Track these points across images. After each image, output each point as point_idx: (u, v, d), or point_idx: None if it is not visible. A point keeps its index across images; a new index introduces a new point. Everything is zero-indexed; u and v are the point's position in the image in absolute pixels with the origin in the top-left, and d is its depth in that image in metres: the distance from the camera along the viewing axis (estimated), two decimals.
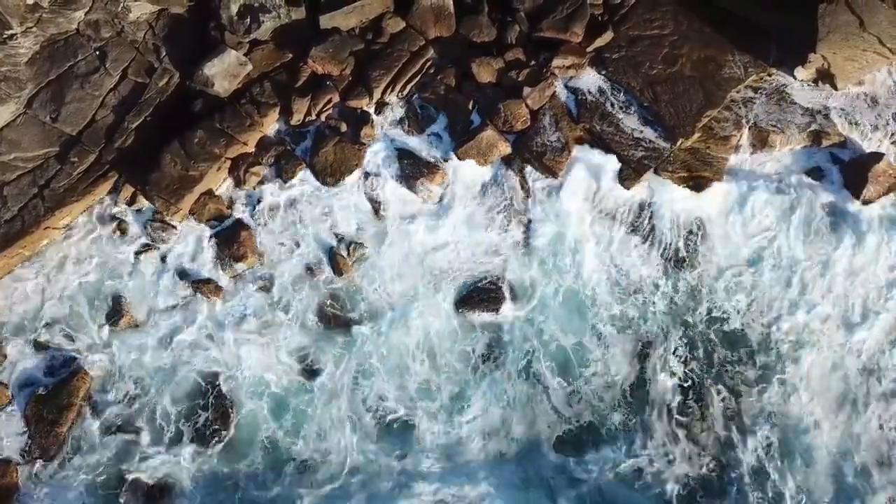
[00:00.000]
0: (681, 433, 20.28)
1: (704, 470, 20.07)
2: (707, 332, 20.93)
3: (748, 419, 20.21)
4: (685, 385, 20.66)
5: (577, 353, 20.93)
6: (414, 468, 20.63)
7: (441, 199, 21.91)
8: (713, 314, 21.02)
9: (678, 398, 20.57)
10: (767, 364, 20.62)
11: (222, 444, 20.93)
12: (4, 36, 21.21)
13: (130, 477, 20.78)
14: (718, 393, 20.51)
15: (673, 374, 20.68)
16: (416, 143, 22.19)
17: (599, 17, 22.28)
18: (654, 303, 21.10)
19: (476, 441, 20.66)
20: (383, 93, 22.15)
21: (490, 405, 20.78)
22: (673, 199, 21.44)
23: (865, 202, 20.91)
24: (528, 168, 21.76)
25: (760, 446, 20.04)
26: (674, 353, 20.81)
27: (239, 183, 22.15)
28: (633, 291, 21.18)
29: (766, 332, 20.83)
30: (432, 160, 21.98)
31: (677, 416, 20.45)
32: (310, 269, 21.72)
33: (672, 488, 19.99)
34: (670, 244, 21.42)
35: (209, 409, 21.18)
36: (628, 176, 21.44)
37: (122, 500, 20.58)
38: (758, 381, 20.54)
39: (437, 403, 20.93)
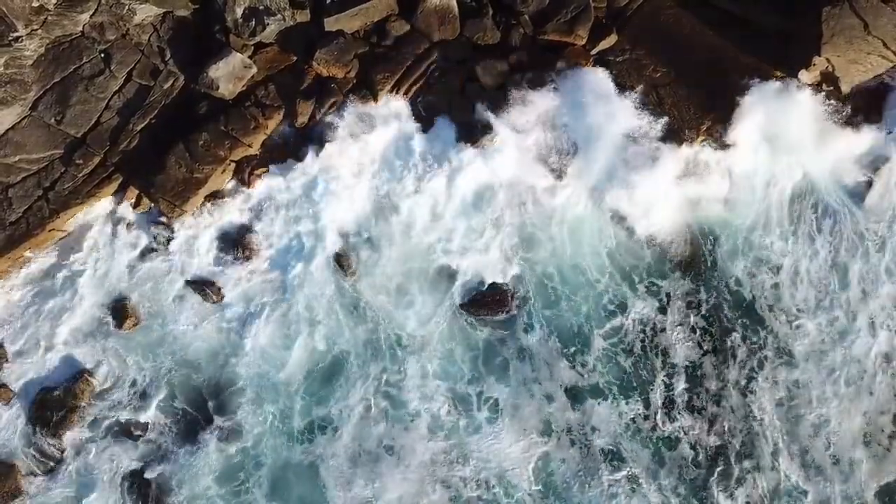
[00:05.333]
0: None
1: None
2: None
3: None
4: None
5: None
6: None
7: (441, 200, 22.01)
8: None
9: None
10: None
11: None
12: (10, 38, 21.18)
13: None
14: None
15: None
16: (419, 145, 22.21)
17: (603, 20, 22.29)
18: None
19: None
20: (388, 95, 22.15)
21: None
22: None
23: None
24: None
25: None
26: None
27: (243, 185, 22.17)
28: None
29: None
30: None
31: None
32: (315, 271, 21.79)
33: None
34: None
35: None
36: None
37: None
38: None
39: None
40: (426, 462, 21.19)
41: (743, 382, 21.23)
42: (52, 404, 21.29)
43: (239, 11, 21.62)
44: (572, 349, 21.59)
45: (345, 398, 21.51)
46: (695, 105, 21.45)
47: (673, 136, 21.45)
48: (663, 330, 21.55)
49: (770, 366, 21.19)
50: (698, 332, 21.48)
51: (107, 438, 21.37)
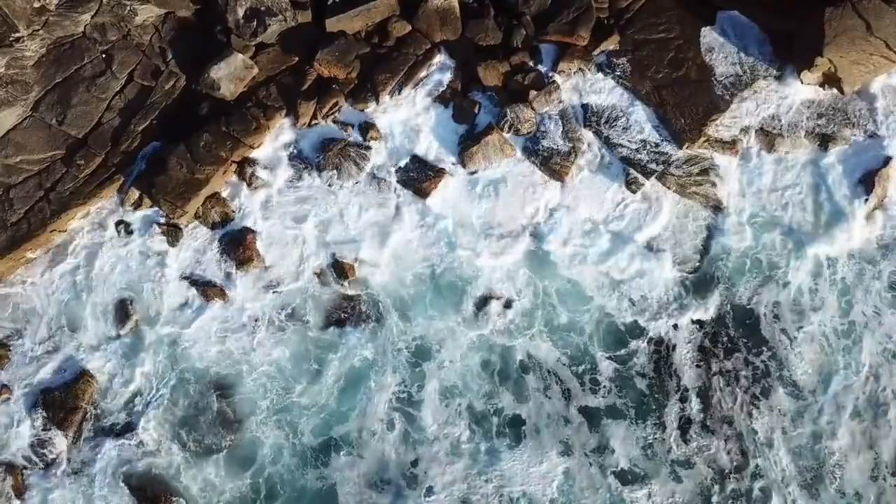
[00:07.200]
0: None
1: None
2: None
3: None
4: None
5: None
6: None
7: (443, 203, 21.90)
8: None
9: None
10: None
11: None
12: (11, 39, 21.24)
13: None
14: None
15: None
16: (421, 146, 22.16)
17: (605, 21, 22.23)
18: None
19: None
20: (389, 96, 22.14)
21: None
22: None
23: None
24: None
25: None
26: None
27: (245, 186, 22.15)
28: None
29: None
30: (438, 164, 21.98)
31: None
32: (316, 273, 21.75)
33: None
34: None
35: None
36: (634, 180, 21.44)
37: None
38: None
39: None
40: (447, 482, 20.94)
41: (750, 406, 20.98)
42: (54, 404, 21.29)
43: (240, 12, 21.61)
44: (580, 368, 21.40)
45: (363, 414, 21.30)
46: (697, 106, 21.40)
47: (675, 137, 21.43)
48: (675, 347, 21.29)
49: (774, 392, 20.92)
50: (707, 353, 21.24)
51: (108, 440, 21.32)
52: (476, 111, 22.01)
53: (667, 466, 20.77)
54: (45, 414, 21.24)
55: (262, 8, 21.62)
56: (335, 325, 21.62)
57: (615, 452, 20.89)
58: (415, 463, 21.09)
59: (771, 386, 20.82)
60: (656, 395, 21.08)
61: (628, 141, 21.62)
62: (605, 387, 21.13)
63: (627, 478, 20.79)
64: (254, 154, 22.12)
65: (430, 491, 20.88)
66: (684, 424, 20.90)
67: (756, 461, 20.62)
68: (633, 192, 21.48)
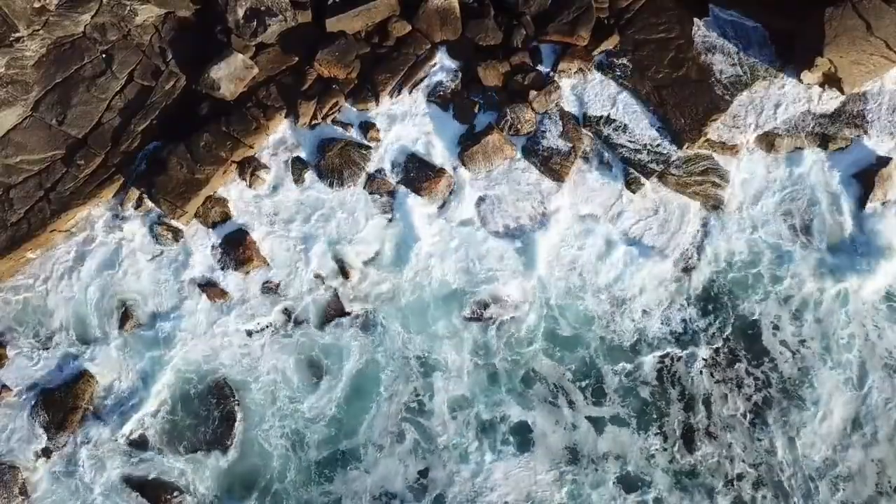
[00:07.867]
0: None
1: None
2: None
3: None
4: None
5: None
6: None
7: (443, 204, 21.93)
8: None
9: None
10: None
11: None
12: (11, 39, 21.24)
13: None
14: None
15: None
16: (421, 146, 22.15)
17: (605, 21, 22.23)
18: None
19: None
20: (389, 96, 22.15)
21: None
22: None
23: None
24: None
25: None
26: None
27: (245, 186, 22.14)
28: None
29: None
30: (438, 164, 21.96)
31: None
32: (316, 274, 21.74)
33: None
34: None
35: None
36: (635, 181, 21.44)
37: None
38: None
39: None
40: (456, 492, 20.89)
41: (752, 417, 20.93)
42: (54, 405, 21.29)
43: (240, 12, 21.62)
44: (585, 380, 21.35)
45: (370, 425, 21.25)
46: (697, 106, 21.40)
47: (675, 137, 21.42)
48: (679, 359, 21.25)
49: (777, 405, 20.85)
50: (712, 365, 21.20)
51: (108, 440, 21.31)
52: (476, 111, 22.01)
53: (671, 475, 20.75)
54: (45, 414, 21.26)
55: (262, 8, 21.62)
56: (335, 320, 21.55)
57: (620, 460, 20.90)
58: (423, 473, 21.06)
59: (773, 397, 20.79)
60: (659, 404, 21.05)
61: (628, 141, 21.62)
62: (609, 397, 21.12)
63: (636, 485, 20.77)
64: (254, 154, 22.13)
65: (439, 500, 20.88)
66: (688, 433, 20.86)
67: (757, 471, 20.62)
68: (634, 191, 21.50)
